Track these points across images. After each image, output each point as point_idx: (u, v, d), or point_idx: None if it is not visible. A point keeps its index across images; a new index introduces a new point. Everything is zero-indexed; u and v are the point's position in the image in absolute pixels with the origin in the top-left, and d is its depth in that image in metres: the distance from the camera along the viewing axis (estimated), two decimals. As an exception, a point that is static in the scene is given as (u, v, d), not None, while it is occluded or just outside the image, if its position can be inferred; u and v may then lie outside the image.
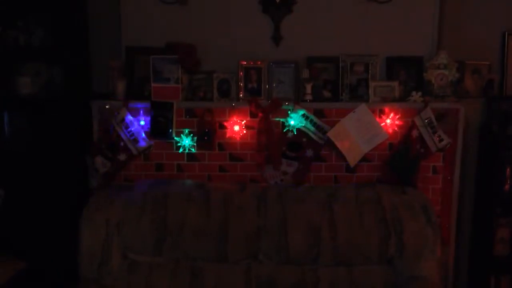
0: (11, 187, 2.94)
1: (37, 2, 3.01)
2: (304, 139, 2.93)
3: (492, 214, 3.01)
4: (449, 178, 2.95)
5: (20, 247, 2.92)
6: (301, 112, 2.88)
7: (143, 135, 2.97)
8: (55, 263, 3.03)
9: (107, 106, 2.98)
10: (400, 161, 2.88)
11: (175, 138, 2.97)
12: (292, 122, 2.90)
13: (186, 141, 2.97)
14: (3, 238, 2.85)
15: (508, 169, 2.95)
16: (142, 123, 2.99)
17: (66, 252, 2.85)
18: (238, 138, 2.97)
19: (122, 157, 2.96)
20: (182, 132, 2.97)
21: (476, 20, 3.19)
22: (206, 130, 2.94)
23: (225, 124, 2.97)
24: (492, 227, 3.00)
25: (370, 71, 2.99)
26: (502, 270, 3.03)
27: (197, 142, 2.97)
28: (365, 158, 2.94)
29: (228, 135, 2.97)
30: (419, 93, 2.92)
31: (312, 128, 2.90)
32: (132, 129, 2.94)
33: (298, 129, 2.91)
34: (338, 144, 2.89)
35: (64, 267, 2.95)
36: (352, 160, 2.91)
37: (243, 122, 2.95)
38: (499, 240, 3.00)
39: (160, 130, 2.96)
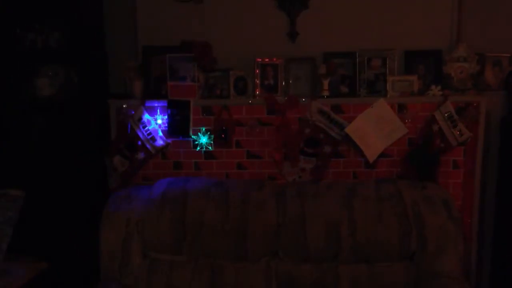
0: (31, 188, 2.96)
1: (54, 4, 3.03)
2: (322, 135, 2.90)
3: (516, 209, 2.95)
4: (470, 172, 2.91)
5: (41, 248, 2.94)
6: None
7: (160, 133, 2.98)
8: (76, 263, 3.05)
9: (124, 106, 3.00)
10: (420, 156, 2.85)
11: (192, 136, 2.97)
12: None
13: (204, 139, 2.97)
14: (24, 238, 2.88)
15: (531, 162, 2.89)
16: (159, 121, 3.00)
17: (87, 252, 2.87)
18: (255, 135, 2.96)
19: (140, 156, 2.98)
20: (199, 130, 2.97)
21: (496, 11, 3.12)
22: (223, 127, 2.94)
23: (242, 121, 2.96)
24: (516, 222, 2.95)
25: (388, 66, 2.95)
26: (527, 265, 2.98)
27: (214, 140, 2.97)
28: (384, 154, 2.91)
29: (245, 132, 2.96)
30: (439, 87, 2.88)
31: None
32: (150, 128, 2.95)
33: (315, 125, 2.89)
34: (357, 139, 2.86)
35: (85, 267, 2.97)
36: (371, 155, 2.88)
37: (260, 119, 2.94)
38: (523, 234, 2.94)
39: (177, 128, 2.96)
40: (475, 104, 2.85)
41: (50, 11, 3.05)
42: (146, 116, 2.95)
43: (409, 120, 2.89)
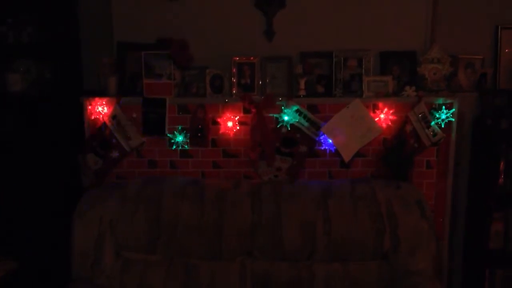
0: (2, 186, 2.90)
1: (27, -2, 2.98)
2: (298, 135, 2.91)
3: (487, 208, 3.01)
4: (443, 172, 2.95)
5: (11, 247, 2.89)
6: (295, 107, 2.87)
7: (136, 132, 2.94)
8: (48, 263, 3.00)
9: (98, 103, 2.95)
10: (394, 156, 2.88)
11: (168, 134, 2.95)
12: (286, 118, 2.88)
13: (179, 138, 2.94)
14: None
15: (502, 163, 2.94)
16: (134, 119, 2.97)
17: (59, 251, 2.82)
18: (231, 134, 2.95)
19: (114, 154, 2.94)
20: (175, 129, 2.95)
21: (469, 14, 3.19)
22: (199, 126, 2.92)
23: (218, 120, 2.94)
24: (487, 221, 3.00)
25: (363, 66, 2.98)
26: (497, 263, 3.03)
27: (190, 138, 2.95)
28: (359, 153, 2.94)
29: (221, 131, 2.95)
30: (413, 88, 2.91)
31: (306, 124, 2.89)
32: (124, 126, 2.91)
33: (292, 125, 2.90)
34: (332, 139, 2.88)
35: (57, 266, 2.92)
36: (347, 155, 2.90)
37: (236, 118, 2.93)
38: (494, 233, 3.00)
39: (153, 126, 2.93)
40: (448, 105, 2.89)
41: (23, 5, 2.99)
42: (121, 114, 2.91)
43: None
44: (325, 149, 2.95)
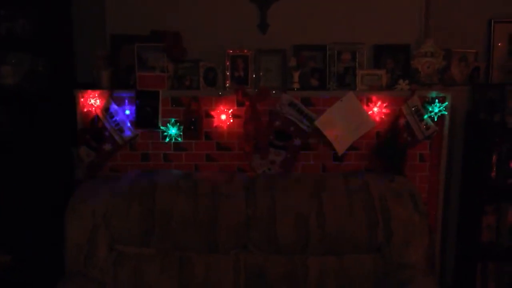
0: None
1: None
2: (292, 128, 2.91)
3: (479, 201, 3.03)
4: (435, 165, 2.96)
5: (4, 241, 2.87)
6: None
7: (129, 124, 2.93)
8: (41, 256, 2.99)
9: (91, 96, 2.93)
10: (387, 149, 2.88)
11: (161, 127, 2.94)
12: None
13: (173, 131, 2.94)
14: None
15: (494, 156, 2.96)
16: (127, 112, 2.95)
17: (52, 245, 2.81)
18: (225, 127, 2.95)
19: (107, 147, 2.93)
20: (169, 121, 2.94)
21: (463, 8, 3.20)
22: (193, 119, 2.91)
23: (212, 113, 2.94)
24: (479, 214, 3.02)
25: (357, 59, 2.98)
26: (489, 256, 3.06)
27: (183, 131, 2.94)
28: (353, 147, 2.94)
29: (215, 124, 2.95)
30: (406, 81, 2.92)
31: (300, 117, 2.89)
32: (117, 119, 2.90)
33: (285, 118, 2.89)
34: (326, 132, 2.88)
35: (50, 260, 2.91)
36: (340, 148, 2.90)
37: (230, 111, 2.93)
38: (486, 227, 3.02)
39: (146, 119, 2.92)
40: (441, 99, 2.90)
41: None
42: (114, 107, 2.90)
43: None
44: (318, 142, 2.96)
